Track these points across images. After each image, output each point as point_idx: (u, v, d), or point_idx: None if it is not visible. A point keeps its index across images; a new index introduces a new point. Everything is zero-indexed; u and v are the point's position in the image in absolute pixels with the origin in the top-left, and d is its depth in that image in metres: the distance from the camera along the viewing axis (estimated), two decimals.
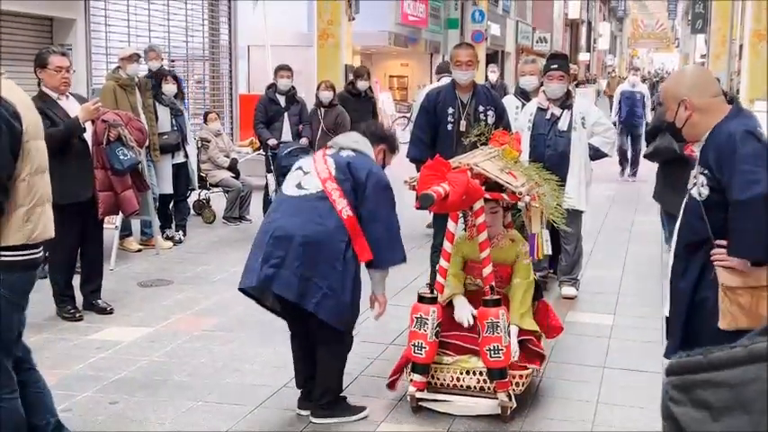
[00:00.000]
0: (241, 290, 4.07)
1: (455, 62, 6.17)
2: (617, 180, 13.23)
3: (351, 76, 11.18)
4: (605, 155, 6.74)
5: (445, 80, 11.10)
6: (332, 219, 3.85)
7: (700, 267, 3.17)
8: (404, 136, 18.12)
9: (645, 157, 9.73)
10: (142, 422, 4.15)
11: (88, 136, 5.81)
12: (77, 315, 5.80)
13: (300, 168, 4.12)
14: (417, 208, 3.97)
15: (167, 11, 12.54)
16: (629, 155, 13.79)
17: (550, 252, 4.82)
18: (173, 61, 12.91)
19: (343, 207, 3.87)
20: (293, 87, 9.18)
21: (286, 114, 9.05)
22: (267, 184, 8.88)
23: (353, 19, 15.38)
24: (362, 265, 4.00)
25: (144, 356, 5.07)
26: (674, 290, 3.32)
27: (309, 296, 3.78)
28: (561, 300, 6.37)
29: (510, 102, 7.15)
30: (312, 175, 4.00)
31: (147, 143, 7.00)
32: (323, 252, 3.80)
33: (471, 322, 4.20)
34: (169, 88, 8.41)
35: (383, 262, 4.02)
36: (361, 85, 10.33)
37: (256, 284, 3.85)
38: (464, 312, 4.27)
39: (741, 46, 20.01)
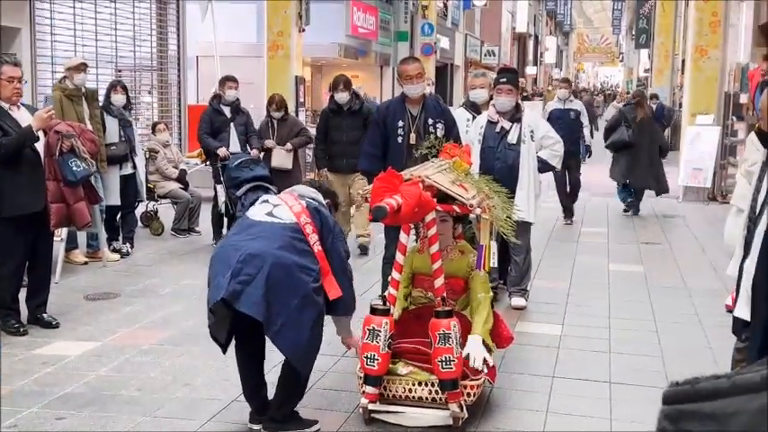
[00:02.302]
0: (210, 310, 3.89)
1: (405, 77, 6.08)
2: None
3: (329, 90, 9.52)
4: (553, 167, 6.89)
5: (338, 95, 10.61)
6: (304, 250, 3.88)
7: None
8: None
9: (606, 147, 11.91)
10: None
11: (40, 147, 5.72)
12: (21, 330, 5.68)
13: (267, 201, 4.18)
14: (371, 220, 4.00)
15: (114, 20, 12.39)
16: (568, 189, 11.07)
17: (496, 265, 4.89)
18: (119, 71, 12.75)
19: (315, 242, 3.94)
20: (237, 98, 9.14)
21: (232, 125, 9.00)
22: (216, 195, 8.80)
23: (304, 30, 15.33)
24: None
25: (91, 371, 4.98)
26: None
27: (271, 322, 3.74)
28: (511, 310, 6.44)
29: (460, 115, 7.21)
30: (283, 207, 4.04)
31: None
32: (291, 281, 3.77)
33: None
34: (118, 98, 8.31)
35: (350, 309, 4.19)
36: (340, 97, 8.36)
37: (226, 297, 3.71)
38: None
39: (683, 61, 20.50)
